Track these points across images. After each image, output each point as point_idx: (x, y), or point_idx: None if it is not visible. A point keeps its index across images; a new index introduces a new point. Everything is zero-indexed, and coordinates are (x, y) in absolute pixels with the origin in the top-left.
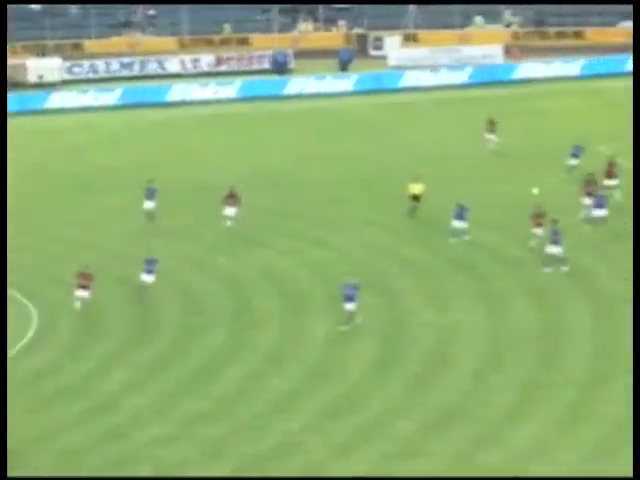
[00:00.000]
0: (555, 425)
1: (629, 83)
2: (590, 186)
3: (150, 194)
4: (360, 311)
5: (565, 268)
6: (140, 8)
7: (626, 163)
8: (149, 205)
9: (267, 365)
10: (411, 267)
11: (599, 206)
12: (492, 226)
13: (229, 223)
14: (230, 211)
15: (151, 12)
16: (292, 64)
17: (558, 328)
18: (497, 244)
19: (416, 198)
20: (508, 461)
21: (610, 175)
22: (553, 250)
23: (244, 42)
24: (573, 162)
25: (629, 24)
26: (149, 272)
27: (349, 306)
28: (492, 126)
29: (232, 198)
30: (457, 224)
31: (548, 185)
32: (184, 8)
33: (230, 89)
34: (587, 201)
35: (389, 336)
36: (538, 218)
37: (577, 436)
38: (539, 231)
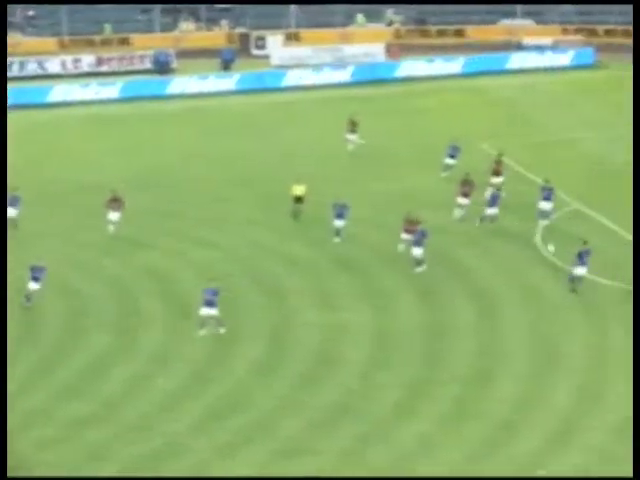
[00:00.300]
0: (441, 422)
1: (509, 81)
2: (466, 186)
3: (13, 201)
4: (245, 311)
5: (420, 269)
6: (19, 9)
7: (507, 161)
8: (12, 212)
9: (152, 366)
10: (296, 266)
11: (492, 204)
12: (373, 224)
13: (112, 228)
14: (114, 216)
15: (30, 13)
16: (174, 64)
17: (442, 326)
18: (379, 242)
19: (299, 200)
20: (395, 459)
21: (497, 173)
22: (416, 252)
23: (125, 42)
24: (450, 162)
25: (509, 22)
26: (35, 280)
27: (209, 311)
28: (353, 126)
29: (116, 202)
30: (338, 223)
31: (427, 183)
32: (64, 8)
33: (112, 89)
34: (463, 201)
35: (275, 335)
36: (409, 224)
37: (462, 433)
38: (407, 237)
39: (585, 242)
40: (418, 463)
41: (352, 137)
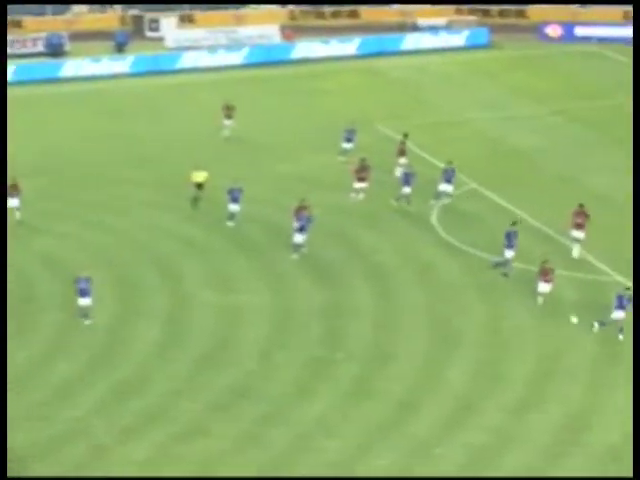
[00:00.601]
0: (340, 401)
1: (405, 62)
2: (363, 171)
3: None
4: (142, 293)
5: (295, 256)
6: None
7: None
8: None
9: (51, 351)
10: (193, 248)
11: (405, 183)
12: (271, 206)
13: (17, 214)
14: (14, 202)
15: None
16: (67, 46)
17: (341, 306)
18: (277, 224)
19: (200, 186)
20: (295, 438)
21: (402, 153)
22: (297, 238)
23: (17, 25)
24: (347, 146)
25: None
26: None
27: (84, 301)
28: (229, 111)
29: (15, 188)
30: (232, 207)
31: (325, 164)
32: None
33: None
34: (359, 185)
35: (172, 318)
36: (299, 211)
37: (361, 413)
38: (296, 224)
39: (514, 223)
40: (317, 442)
41: (228, 122)
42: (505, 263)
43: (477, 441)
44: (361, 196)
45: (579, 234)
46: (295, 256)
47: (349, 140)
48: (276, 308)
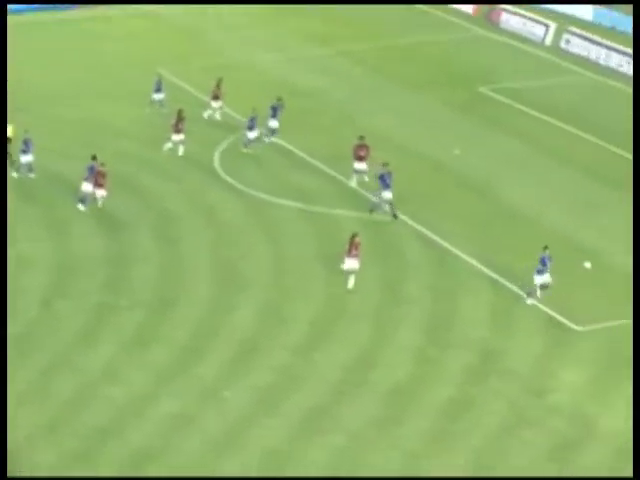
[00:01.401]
0: (125, 348)
1: (185, 6)
2: (179, 122)
3: None
4: None
5: (81, 206)
6: None
7: (187, 87)
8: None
9: None
10: None
11: (250, 128)
12: (59, 155)
13: None
14: None
15: None
16: None
17: (125, 253)
18: (63, 173)
19: (8, 140)
20: (81, 386)
21: (216, 97)
22: (86, 187)
23: None
24: (157, 97)
25: None
26: None
27: None
28: None
29: None
30: (24, 158)
31: (111, 111)
32: None
33: None
34: (177, 137)
35: None
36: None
37: (147, 358)
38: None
39: (385, 164)
40: (104, 390)
41: None
42: (380, 205)
43: (264, 382)
44: (181, 149)
45: (361, 166)
46: (81, 206)
47: (159, 90)
48: (59, 256)
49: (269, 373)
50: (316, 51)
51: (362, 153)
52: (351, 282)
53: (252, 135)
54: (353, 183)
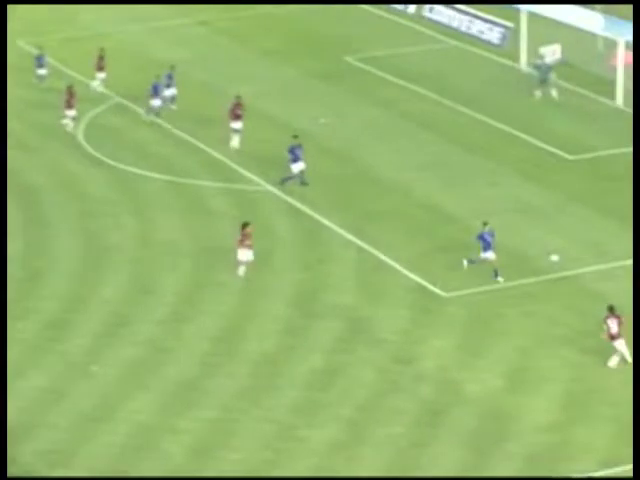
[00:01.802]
0: None
1: None
2: (71, 98)
3: None
4: None
5: None
6: None
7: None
8: None
9: None
10: None
11: (154, 95)
12: None
13: None
14: None
15: None
16: None
17: None
18: None
19: None
20: None
21: (101, 68)
22: None
23: None
24: (41, 72)
25: None
26: None
27: None
28: None
29: None
30: None
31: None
32: None
33: None
34: (70, 112)
35: None
36: None
37: (13, 333)
38: None
39: (295, 136)
40: None
41: None
42: (293, 177)
43: (132, 355)
44: (71, 124)
45: (237, 125)
46: None
47: (41, 66)
48: None
49: (137, 346)
50: (175, 20)
51: (239, 112)
52: (241, 270)
53: (156, 103)
54: (235, 142)
